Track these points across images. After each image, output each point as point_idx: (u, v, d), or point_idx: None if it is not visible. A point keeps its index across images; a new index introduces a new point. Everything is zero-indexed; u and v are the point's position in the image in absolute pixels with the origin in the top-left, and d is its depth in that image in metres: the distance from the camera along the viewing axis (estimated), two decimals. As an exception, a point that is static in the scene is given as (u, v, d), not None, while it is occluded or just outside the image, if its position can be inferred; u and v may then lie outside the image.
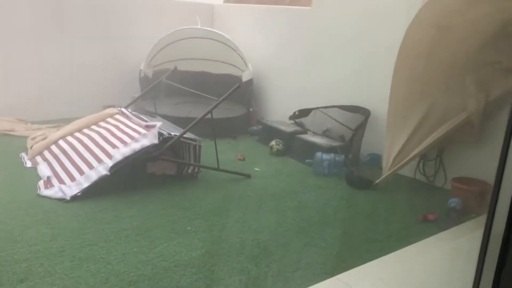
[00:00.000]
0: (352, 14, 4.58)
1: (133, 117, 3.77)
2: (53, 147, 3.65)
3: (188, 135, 3.59)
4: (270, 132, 4.83)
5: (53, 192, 3.12)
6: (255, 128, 5.29)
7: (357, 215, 3.31)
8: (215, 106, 3.61)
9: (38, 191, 3.16)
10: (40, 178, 3.35)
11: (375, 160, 4.34)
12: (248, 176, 3.82)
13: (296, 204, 3.39)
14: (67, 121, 4.20)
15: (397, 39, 4.11)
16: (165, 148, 3.40)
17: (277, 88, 5.58)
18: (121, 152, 3.23)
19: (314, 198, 3.53)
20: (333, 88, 4.83)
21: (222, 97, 3.67)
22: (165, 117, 4.43)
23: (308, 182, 3.89)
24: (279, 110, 5.30)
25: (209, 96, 3.94)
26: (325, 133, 4.73)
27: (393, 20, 4.17)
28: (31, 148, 3.84)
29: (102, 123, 3.82)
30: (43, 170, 3.41)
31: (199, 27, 5.53)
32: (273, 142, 4.59)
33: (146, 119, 3.71)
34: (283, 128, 4.78)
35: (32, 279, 2.22)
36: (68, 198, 3.06)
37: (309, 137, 4.57)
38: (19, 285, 2.16)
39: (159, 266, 2.42)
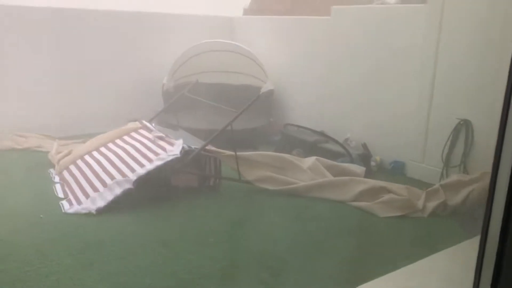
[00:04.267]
0: (370, 23, 4.58)
1: (157, 132, 3.85)
2: (79, 162, 3.76)
3: (208, 147, 3.65)
4: (291, 142, 4.85)
5: (79, 208, 3.21)
6: (275, 138, 5.31)
7: (378, 224, 3.28)
8: (235, 119, 3.66)
9: (62, 210, 3.25)
10: (64, 191, 3.46)
11: (399, 168, 4.31)
12: (270, 186, 3.84)
13: (315, 215, 3.39)
14: (93, 136, 4.32)
15: (414, 48, 4.11)
16: (187, 161, 3.46)
17: (298, 98, 5.60)
18: (144, 168, 3.31)
19: (332, 208, 3.52)
20: (352, 97, 4.82)
21: (242, 110, 3.71)
22: (187, 129, 4.51)
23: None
24: (299, 119, 5.32)
25: (229, 108, 3.99)
26: (346, 142, 4.72)
27: (411, 29, 4.15)
28: (58, 163, 3.96)
29: (126, 138, 3.91)
30: (69, 186, 3.51)
31: (219, 40, 5.62)
32: (294, 152, 4.60)
33: (168, 133, 3.79)
34: (304, 137, 4.79)
35: (61, 292, 2.29)
36: (94, 212, 3.15)
37: (330, 146, 4.57)
38: (49, 298, 2.23)
39: (184, 278, 2.47)
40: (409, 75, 4.21)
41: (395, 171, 4.31)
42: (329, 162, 4.04)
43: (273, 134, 5.39)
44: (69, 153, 4.07)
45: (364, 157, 4.36)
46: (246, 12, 6.68)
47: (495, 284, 0.87)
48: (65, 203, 3.29)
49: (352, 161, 4.20)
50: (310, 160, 4.02)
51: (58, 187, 3.60)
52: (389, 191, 3.56)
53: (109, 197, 3.21)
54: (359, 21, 4.72)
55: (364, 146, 4.56)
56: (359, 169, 4.00)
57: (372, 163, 4.38)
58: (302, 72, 5.51)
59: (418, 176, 4.18)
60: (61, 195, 3.46)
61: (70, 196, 3.38)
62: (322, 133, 4.86)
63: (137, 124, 4.16)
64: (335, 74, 5.01)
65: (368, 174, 4.07)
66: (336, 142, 4.54)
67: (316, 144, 4.65)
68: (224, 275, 2.51)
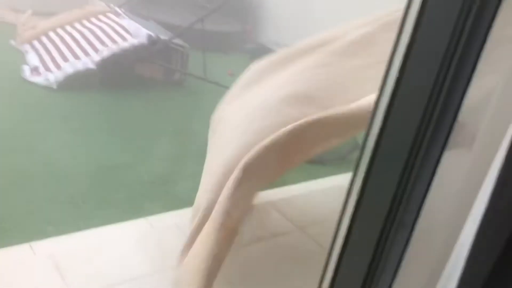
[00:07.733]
0: None
1: (125, 18, 3.76)
2: (43, 38, 3.67)
3: (177, 41, 3.62)
4: (264, 52, 4.82)
5: (40, 79, 3.20)
6: (250, 46, 5.24)
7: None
8: (206, 16, 3.59)
9: (22, 75, 3.23)
10: (26, 64, 3.42)
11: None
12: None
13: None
14: (57, 14, 4.17)
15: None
16: (154, 50, 3.45)
17: (278, 6, 5.45)
18: (109, 49, 3.28)
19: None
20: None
21: (215, 7, 3.65)
22: (158, 22, 4.40)
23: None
24: (278, 29, 5.24)
25: (204, 4, 3.90)
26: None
27: None
28: (20, 34, 3.86)
29: (94, 20, 3.80)
30: (32, 59, 3.46)
31: None
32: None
33: (137, 20, 3.71)
34: (278, 48, 4.77)
35: (21, 152, 2.38)
36: (54, 86, 3.15)
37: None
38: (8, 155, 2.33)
39: (138, 156, 2.60)
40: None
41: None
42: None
43: (248, 42, 5.32)
44: (33, 27, 3.94)
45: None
46: None
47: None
48: (27, 70, 3.27)
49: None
50: None
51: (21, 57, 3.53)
52: None
53: (69, 70, 3.20)
54: None
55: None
56: None
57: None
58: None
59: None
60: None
61: (32, 67, 3.35)
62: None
63: (105, 7, 4.03)
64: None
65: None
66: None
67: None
68: (168, 160, 2.66)
